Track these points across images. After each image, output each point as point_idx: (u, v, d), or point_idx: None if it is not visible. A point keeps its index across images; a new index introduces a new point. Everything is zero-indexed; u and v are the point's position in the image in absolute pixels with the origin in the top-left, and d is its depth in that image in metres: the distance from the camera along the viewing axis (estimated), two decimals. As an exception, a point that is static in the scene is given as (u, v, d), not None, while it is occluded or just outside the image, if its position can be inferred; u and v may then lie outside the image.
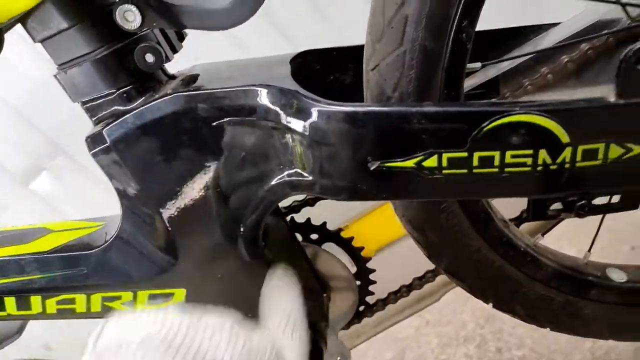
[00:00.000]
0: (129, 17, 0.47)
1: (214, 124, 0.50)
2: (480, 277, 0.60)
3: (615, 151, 0.42)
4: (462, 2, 0.45)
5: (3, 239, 0.64)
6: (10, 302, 0.63)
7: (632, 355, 0.76)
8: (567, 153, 0.43)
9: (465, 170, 0.44)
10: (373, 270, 0.75)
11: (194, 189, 0.53)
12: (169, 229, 0.55)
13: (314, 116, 0.45)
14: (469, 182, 0.45)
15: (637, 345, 0.76)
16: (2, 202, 1.36)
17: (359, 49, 0.60)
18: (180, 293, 0.61)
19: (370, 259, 0.74)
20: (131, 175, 0.53)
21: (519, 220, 0.67)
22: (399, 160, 0.45)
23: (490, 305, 0.64)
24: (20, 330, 0.72)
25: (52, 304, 0.63)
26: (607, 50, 0.56)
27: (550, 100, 0.43)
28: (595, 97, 0.44)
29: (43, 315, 0.65)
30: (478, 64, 0.52)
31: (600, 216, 0.59)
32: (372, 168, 0.46)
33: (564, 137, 0.42)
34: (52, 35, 0.49)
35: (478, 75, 0.60)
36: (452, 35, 0.46)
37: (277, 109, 0.47)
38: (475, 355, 0.98)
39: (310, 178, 0.49)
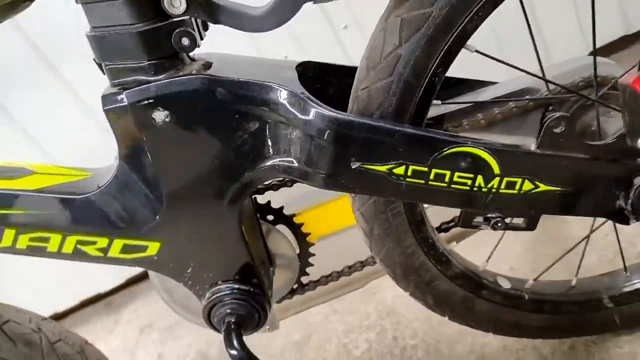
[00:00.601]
0: (175, 4, 0.55)
1: (227, 107, 0.59)
2: (407, 268, 0.75)
3: (528, 185, 0.59)
4: (441, 55, 0.58)
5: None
6: (-21, 233, 0.66)
7: (501, 349, 0.96)
8: (495, 181, 0.58)
9: (422, 181, 0.58)
10: (313, 255, 0.87)
11: (194, 156, 0.61)
12: (162, 185, 0.63)
13: (317, 118, 0.57)
14: (423, 190, 0.59)
15: (506, 342, 0.96)
16: None
17: (345, 70, 0.72)
18: (155, 246, 0.68)
19: (313, 244, 0.86)
20: (138, 135, 0.60)
21: (439, 229, 0.83)
22: (376, 164, 0.58)
23: (408, 293, 0.79)
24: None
25: (24, 239, 0.67)
26: (526, 110, 0.74)
27: (492, 141, 0.58)
28: (522, 145, 0.60)
29: (11, 249, 0.68)
30: (438, 101, 0.66)
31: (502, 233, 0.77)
32: (353, 167, 0.58)
33: (497, 169, 0.57)
34: (99, 1, 0.55)
35: (431, 109, 0.75)
36: (428, 77, 0.60)
37: (288, 105, 0.57)
38: (375, 341, 1.13)
39: (299, 165, 0.60)
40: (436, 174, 0.58)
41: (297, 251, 0.86)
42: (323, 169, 0.59)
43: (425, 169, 0.57)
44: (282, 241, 0.83)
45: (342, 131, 0.57)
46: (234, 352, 0.69)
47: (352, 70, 0.67)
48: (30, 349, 0.83)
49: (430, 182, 0.58)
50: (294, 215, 0.84)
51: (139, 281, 1.87)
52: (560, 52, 1.52)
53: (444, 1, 0.55)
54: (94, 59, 0.61)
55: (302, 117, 0.57)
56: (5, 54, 1.49)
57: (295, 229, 0.84)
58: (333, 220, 0.86)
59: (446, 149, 0.57)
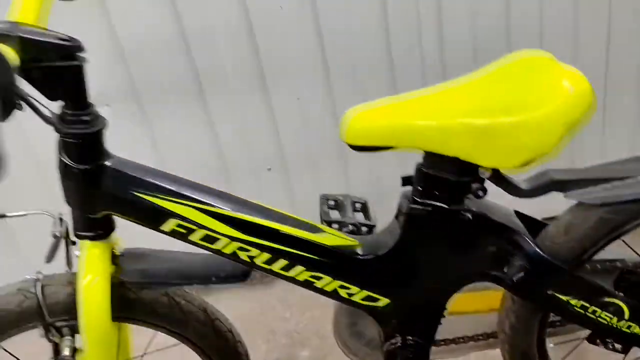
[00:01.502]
0: (484, 173, 0.89)
1: (483, 235, 0.93)
2: (522, 354, 1.10)
3: (638, 330, 0.97)
4: (601, 245, 0.96)
5: (295, 223, 0.95)
6: (280, 263, 0.94)
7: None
8: (623, 322, 0.96)
9: (583, 312, 0.95)
10: (440, 323, 1.20)
11: (446, 256, 0.95)
12: (416, 267, 0.95)
13: (535, 258, 0.92)
14: (581, 316, 0.96)
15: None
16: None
17: (533, 220, 1.07)
18: (384, 302, 0.99)
19: (445, 316, 1.20)
20: (421, 235, 0.92)
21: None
22: (561, 295, 0.94)
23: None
24: (247, 276, 0.99)
25: (305, 275, 0.95)
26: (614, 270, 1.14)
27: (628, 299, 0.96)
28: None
29: (288, 277, 0.95)
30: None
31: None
32: (548, 293, 0.94)
33: (627, 315, 0.95)
34: (441, 156, 0.88)
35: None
36: (593, 252, 0.97)
37: (520, 244, 0.92)
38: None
39: (507, 278, 0.95)
40: (593, 310, 0.95)
41: (434, 318, 1.19)
42: (522, 286, 0.95)
43: (588, 305, 0.94)
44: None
45: (545, 270, 0.93)
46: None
47: (538, 223, 1.03)
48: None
49: (587, 313, 0.95)
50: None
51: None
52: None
53: (624, 213, 0.93)
54: (404, 177, 0.94)
55: (528, 253, 0.93)
56: (169, 70, 1.72)
57: (440, 303, 1.18)
58: (465, 306, 1.20)
59: (605, 297, 0.94)
